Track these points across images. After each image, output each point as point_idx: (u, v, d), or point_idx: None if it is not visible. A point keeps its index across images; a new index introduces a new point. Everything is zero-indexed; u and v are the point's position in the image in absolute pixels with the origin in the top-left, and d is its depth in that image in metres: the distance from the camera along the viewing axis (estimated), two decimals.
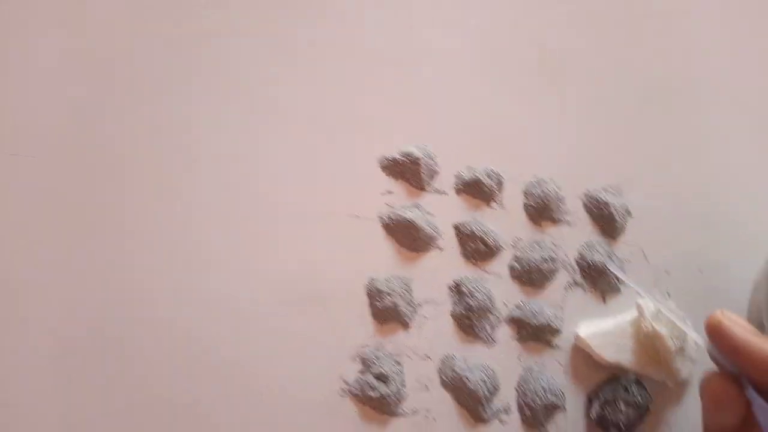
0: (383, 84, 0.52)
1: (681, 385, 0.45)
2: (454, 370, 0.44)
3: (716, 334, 0.25)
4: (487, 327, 0.45)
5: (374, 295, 0.45)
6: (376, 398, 0.42)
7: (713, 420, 0.24)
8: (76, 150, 0.48)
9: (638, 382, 0.44)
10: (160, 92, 0.50)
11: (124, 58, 0.51)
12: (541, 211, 0.48)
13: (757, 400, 0.23)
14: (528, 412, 0.43)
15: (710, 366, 0.45)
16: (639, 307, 0.44)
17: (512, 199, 0.49)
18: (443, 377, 0.44)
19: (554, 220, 0.49)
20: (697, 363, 0.46)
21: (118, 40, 0.51)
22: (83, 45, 0.51)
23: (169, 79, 0.50)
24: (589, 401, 0.44)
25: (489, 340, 0.45)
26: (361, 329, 0.45)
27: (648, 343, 0.44)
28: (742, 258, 0.49)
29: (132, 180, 0.47)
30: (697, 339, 0.45)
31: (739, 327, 0.24)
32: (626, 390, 0.43)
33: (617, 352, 0.44)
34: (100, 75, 0.50)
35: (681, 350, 0.44)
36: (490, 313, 0.46)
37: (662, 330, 0.43)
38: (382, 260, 0.46)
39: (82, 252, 0.45)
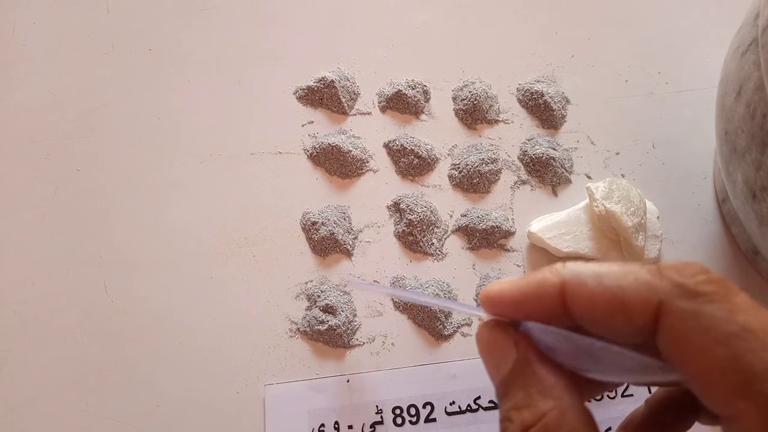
0: (287, 14, 0.49)
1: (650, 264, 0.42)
2: (405, 291, 0.41)
3: (489, 302, 0.22)
4: (435, 241, 0.43)
5: (309, 228, 0.42)
6: (326, 331, 0.39)
7: (491, 370, 0.22)
8: None
9: None
10: (68, 55, 0.47)
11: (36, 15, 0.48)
12: (473, 113, 0.46)
13: (533, 326, 0.21)
14: None
15: (679, 241, 0.43)
16: (588, 190, 0.42)
17: (441, 107, 0.46)
18: (395, 300, 0.41)
19: (489, 121, 0.46)
20: (664, 240, 0.43)
21: None
22: None
23: (73, 41, 0.48)
24: None
25: (438, 254, 0.43)
26: (303, 266, 0.42)
27: (604, 226, 0.41)
28: (694, 126, 0.46)
29: (62, 145, 0.45)
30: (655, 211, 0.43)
31: (506, 282, 0.22)
32: None
33: (573, 241, 0.42)
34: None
35: (640, 226, 0.41)
36: (435, 226, 0.43)
37: (614, 208, 0.40)
38: (315, 192, 0.44)
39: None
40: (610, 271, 0.20)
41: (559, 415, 0.19)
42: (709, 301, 0.19)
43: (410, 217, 0.42)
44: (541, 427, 0.19)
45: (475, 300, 0.41)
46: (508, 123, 0.46)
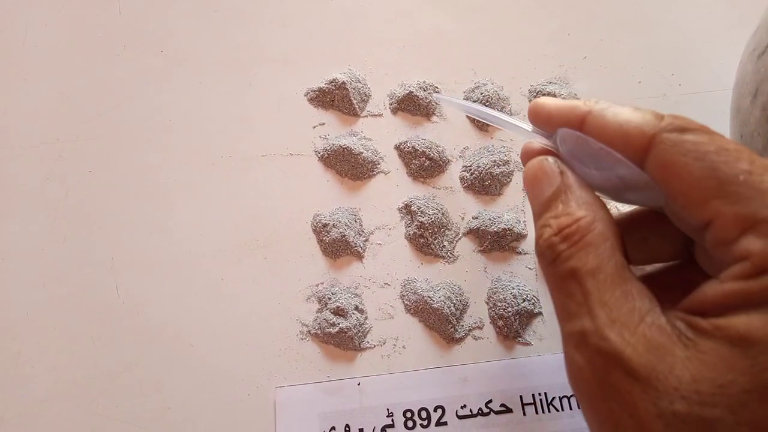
0: (298, 15, 0.49)
1: None
2: (416, 293, 0.41)
3: (534, 110, 0.28)
4: (446, 243, 0.42)
5: (320, 230, 0.42)
6: (337, 334, 0.39)
7: (535, 195, 0.26)
8: None
9: None
10: (79, 57, 0.47)
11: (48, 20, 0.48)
12: None
13: (564, 131, 0.26)
14: (501, 323, 0.40)
15: None
16: (600, 194, 0.41)
17: (453, 108, 0.46)
18: (406, 302, 0.41)
19: None
20: None
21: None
22: None
23: (84, 42, 0.48)
24: None
25: (449, 257, 0.42)
26: (313, 268, 0.42)
27: None
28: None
29: (73, 147, 0.45)
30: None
31: (550, 99, 0.27)
32: None
33: None
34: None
35: None
36: (447, 228, 0.43)
37: (627, 210, 0.40)
38: (326, 194, 0.44)
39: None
40: (626, 110, 0.24)
41: (593, 221, 0.23)
42: (694, 133, 0.23)
43: (421, 219, 0.42)
44: (575, 228, 0.23)
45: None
46: None
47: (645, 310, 0.21)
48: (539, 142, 0.28)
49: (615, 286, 0.22)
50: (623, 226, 0.26)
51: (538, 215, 0.25)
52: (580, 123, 0.25)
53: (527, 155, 0.28)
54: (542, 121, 0.27)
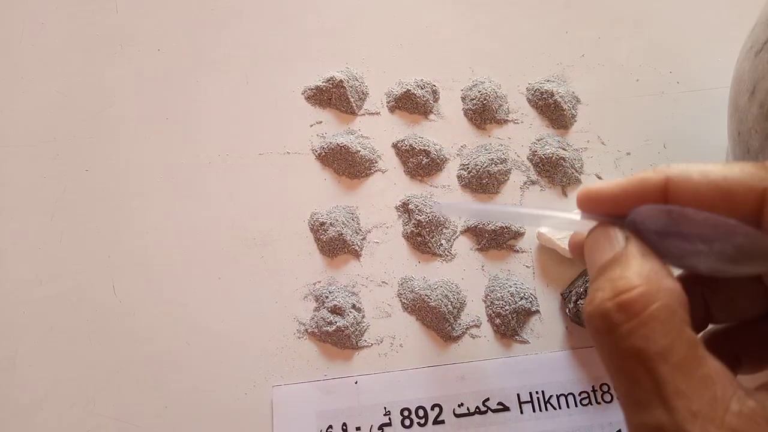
0: (295, 14, 0.49)
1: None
2: (413, 292, 0.41)
3: (589, 200, 0.23)
4: (443, 242, 0.42)
5: (317, 229, 0.42)
6: (334, 332, 0.39)
7: (593, 260, 0.22)
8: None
9: None
10: (76, 56, 0.47)
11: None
12: (482, 113, 0.45)
13: (645, 209, 0.22)
14: (498, 321, 0.40)
15: None
16: None
17: (450, 106, 0.46)
18: (403, 301, 0.41)
19: (498, 121, 0.46)
20: None
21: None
22: None
23: (81, 41, 0.48)
24: (563, 299, 0.41)
25: (447, 255, 0.42)
26: (311, 267, 0.42)
27: None
28: (706, 127, 0.46)
29: (70, 146, 0.45)
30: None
31: (605, 182, 0.23)
32: None
33: None
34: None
35: None
36: (444, 227, 0.43)
37: None
38: (323, 193, 0.44)
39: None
40: (715, 167, 0.21)
41: (657, 290, 0.19)
42: None
43: (419, 217, 0.42)
44: (636, 296, 0.19)
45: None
46: (518, 123, 0.46)
47: (728, 395, 0.18)
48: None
49: (691, 370, 0.19)
50: (706, 287, 0.23)
51: (592, 280, 0.22)
52: (661, 195, 0.21)
53: (576, 245, 0.24)
54: (603, 207, 0.23)
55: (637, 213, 0.21)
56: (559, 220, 0.25)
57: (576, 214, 0.23)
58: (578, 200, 0.23)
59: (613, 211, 0.22)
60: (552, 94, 0.45)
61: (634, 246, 0.21)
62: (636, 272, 0.20)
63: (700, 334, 0.24)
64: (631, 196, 0.22)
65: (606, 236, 0.22)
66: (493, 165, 0.44)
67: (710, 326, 0.24)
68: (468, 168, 0.44)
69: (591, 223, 0.23)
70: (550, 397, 0.39)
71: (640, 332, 0.19)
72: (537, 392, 0.39)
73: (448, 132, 0.45)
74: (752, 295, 0.23)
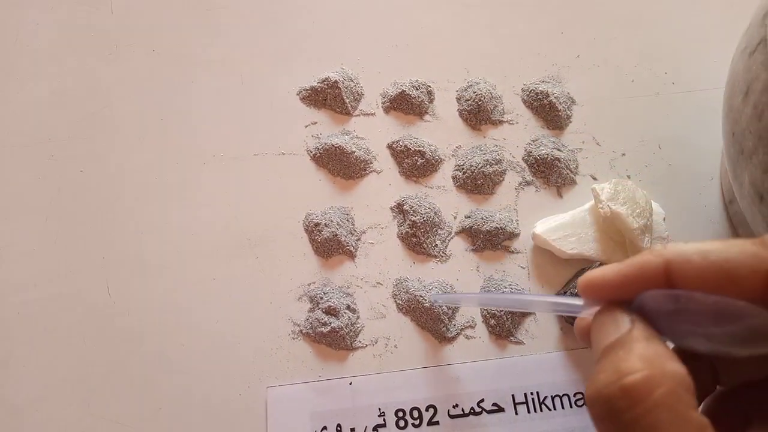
0: (290, 14, 0.49)
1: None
2: (408, 292, 0.41)
3: (591, 288, 0.23)
4: (438, 242, 0.42)
5: (312, 229, 0.42)
6: (329, 333, 0.39)
7: (598, 341, 0.22)
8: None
9: None
10: (71, 56, 0.47)
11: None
12: (477, 114, 0.45)
13: (652, 294, 0.21)
14: (493, 322, 0.40)
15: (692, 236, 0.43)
16: (594, 191, 0.41)
17: (445, 107, 0.46)
18: (398, 301, 0.41)
19: (493, 122, 0.46)
20: (671, 242, 0.42)
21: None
22: None
23: (76, 42, 0.48)
24: None
25: (442, 256, 0.42)
26: (305, 268, 0.42)
27: (609, 228, 0.41)
28: (701, 127, 0.46)
29: (65, 146, 0.45)
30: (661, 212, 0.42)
31: (606, 269, 0.22)
32: None
33: (578, 243, 0.41)
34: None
35: (646, 228, 0.40)
36: (439, 228, 0.43)
37: (620, 209, 0.40)
38: (318, 193, 0.44)
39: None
40: (713, 247, 0.20)
41: (662, 374, 0.19)
42: None
43: (414, 218, 0.42)
44: (640, 380, 0.19)
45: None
46: (513, 124, 0.46)
47: None
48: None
49: None
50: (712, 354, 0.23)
51: (596, 363, 0.21)
52: (663, 279, 0.21)
53: (582, 331, 0.24)
54: (606, 293, 0.23)
55: (644, 298, 0.21)
56: (563, 306, 0.25)
57: (580, 300, 0.23)
58: (580, 288, 0.23)
59: (616, 297, 0.22)
60: (547, 95, 0.45)
61: (639, 329, 0.21)
62: (640, 355, 0.19)
63: (709, 397, 0.24)
64: (633, 282, 0.22)
65: (611, 319, 0.22)
66: (488, 166, 0.44)
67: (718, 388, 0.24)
68: (463, 169, 0.44)
69: (595, 309, 0.23)
70: (545, 398, 0.39)
71: (646, 421, 0.18)
72: (532, 393, 0.39)
73: (443, 133, 0.45)
74: (760, 358, 0.23)
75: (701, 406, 0.22)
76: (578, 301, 0.23)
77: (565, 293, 0.40)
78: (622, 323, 0.21)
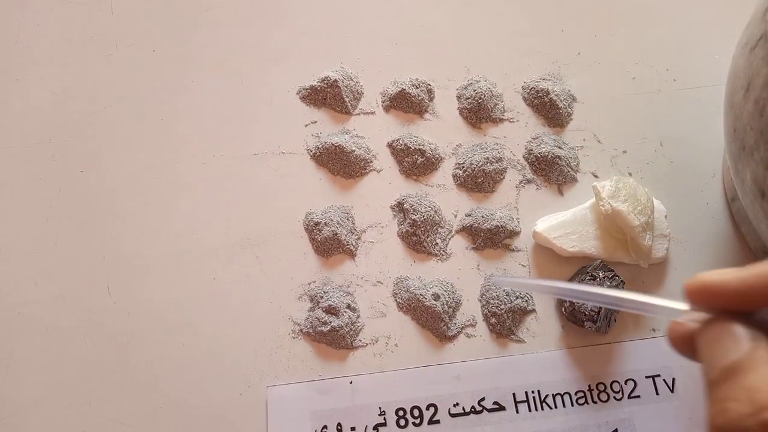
0: (290, 13, 0.49)
1: (658, 266, 0.42)
2: (408, 291, 0.41)
3: (704, 293, 0.21)
4: (439, 241, 0.42)
5: (312, 229, 0.42)
6: (329, 332, 0.39)
7: (711, 360, 0.20)
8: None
9: (606, 268, 0.40)
10: (72, 56, 0.47)
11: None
12: (478, 112, 0.45)
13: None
14: (494, 321, 0.40)
15: (688, 241, 0.42)
16: (595, 189, 0.41)
17: (446, 106, 0.46)
18: (398, 300, 0.41)
19: (494, 120, 0.46)
20: (673, 239, 0.42)
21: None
22: None
23: (76, 42, 0.48)
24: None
25: (442, 254, 0.42)
26: (306, 267, 0.42)
27: (610, 225, 0.41)
28: (703, 124, 0.46)
29: (65, 147, 0.45)
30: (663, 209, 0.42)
31: (724, 273, 0.21)
32: (593, 278, 0.40)
33: (579, 241, 0.41)
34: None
35: (648, 225, 0.40)
36: (439, 226, 0.43)
37: (621, 207, 0.40)
38: (318, 193, 0.44)
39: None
40: None
41: None
42: None
43: (414, 217, 0.42)
44: None
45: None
46: (513, 121, 0.46)
47: None
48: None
49: None
50: None
51: (714, 383, 0.19)
52: None
53: (682, 339, 0.22)
54: (721, 302, 0.21)
55: (764, 313, 0.20)
56: (660, 309, 0.22)
57: (683, 305, 0.21)
58: (690, 291, 0.21)
59: (731, 307, 0.20)
60: (547, 93, 0.45)
61: (765, 349, 0.19)
62: None
63: None
64: (757, 293, 0.20)
65: (728, 334, 0.20)
66: (488, 164, 0.43)
67: None
68: (463, 167, 0.44)
69: (697, 316, 0.21)
70: (546, 396, 0.38)
71: None
72: (533, 391, 0.39)
73: (443, 131, 0.45)
74: None
75: None
76: (681, 306, 0.21)
77: None
78: (743, 340, 0.19)
